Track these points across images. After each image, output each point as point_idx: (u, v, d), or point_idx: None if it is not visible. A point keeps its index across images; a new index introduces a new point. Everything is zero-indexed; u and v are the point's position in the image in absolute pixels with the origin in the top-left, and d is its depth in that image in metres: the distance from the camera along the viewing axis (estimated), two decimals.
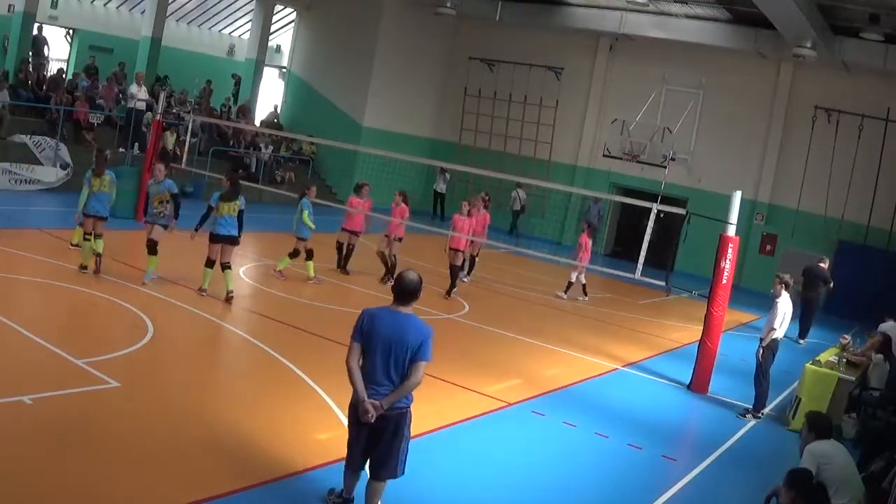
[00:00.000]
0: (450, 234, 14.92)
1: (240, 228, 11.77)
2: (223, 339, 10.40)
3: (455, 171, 23.47)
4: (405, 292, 5.58)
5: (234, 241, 11.71)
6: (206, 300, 11.64)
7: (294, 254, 14.07)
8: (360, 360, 5.59)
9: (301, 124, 26.66)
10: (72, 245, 13.14)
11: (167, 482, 6.14)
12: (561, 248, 23.86)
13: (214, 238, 11.56)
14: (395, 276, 13.84)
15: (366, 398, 5.43)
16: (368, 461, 5.73)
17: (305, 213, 13.97)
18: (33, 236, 13.49)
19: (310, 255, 13.99)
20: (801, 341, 16.31)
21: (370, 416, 5.41)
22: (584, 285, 16.91)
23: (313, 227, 13.99)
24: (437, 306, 14.06)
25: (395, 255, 15.00)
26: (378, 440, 5.57)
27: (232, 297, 11.48)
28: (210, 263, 11.62)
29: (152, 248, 11.71)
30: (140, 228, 13.71)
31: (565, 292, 16.79)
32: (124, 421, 7.07)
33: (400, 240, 15.09)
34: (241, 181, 12.68)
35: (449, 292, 14.76)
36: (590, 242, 16.67)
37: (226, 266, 11.60)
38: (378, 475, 5.70)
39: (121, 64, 23.47)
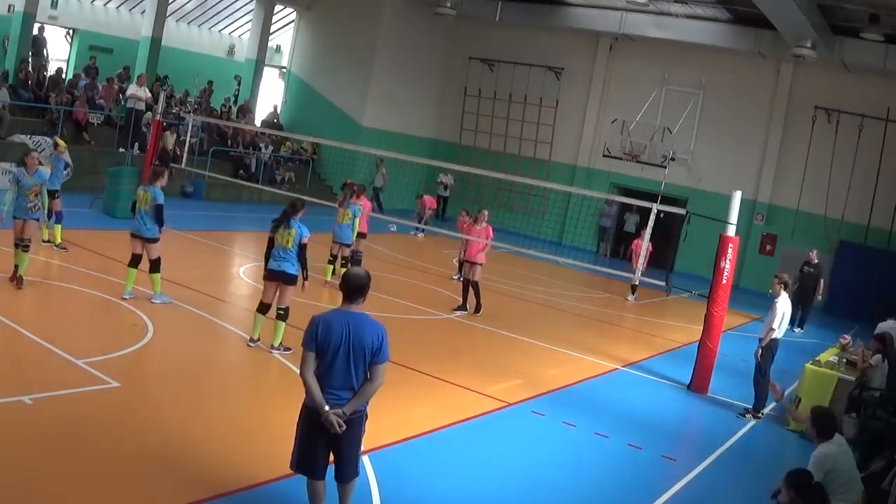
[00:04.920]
0: (464, 237, 14.88)
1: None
2: (223, 339, 10.40)
3: (455, 171, 23.49)
4: (353, 288, 5.45)
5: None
6: (205, 299, 11.66)
7: (347, 261, 13.90)
8: (316, 369, 5.42)
9: (301, 124, 26.66)
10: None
11: (167, 482, 6.14)
12: (561, 249, 23.87)
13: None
14: (478, 306, 13.79)
15: (328, 409, 5.27)
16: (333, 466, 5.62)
17: (357, 219, 13.88)
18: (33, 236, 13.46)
19: (345, 262, 13.94)
20: (798, 330, 17.24)
21: (338, 427, 5.28)
22: (633, 286, 17.82)
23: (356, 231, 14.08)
24: (437, 306, 14.07)
25: (476, 282, 13.82)
26: (339, 444, 5.46)
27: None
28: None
29: (136, 262, 10.93)
30: None
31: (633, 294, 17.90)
32: (124, 421, 7.07)
33: (480, 265, 13.94)
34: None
35: (477, 308, 13.82)
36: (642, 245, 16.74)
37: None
38: (345, 478, 5.62)
39: (125, 68, 23.47)
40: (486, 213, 14.33)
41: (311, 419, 5.45)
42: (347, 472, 5.59)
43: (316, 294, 13.17)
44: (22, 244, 10.57)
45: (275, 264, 9.61)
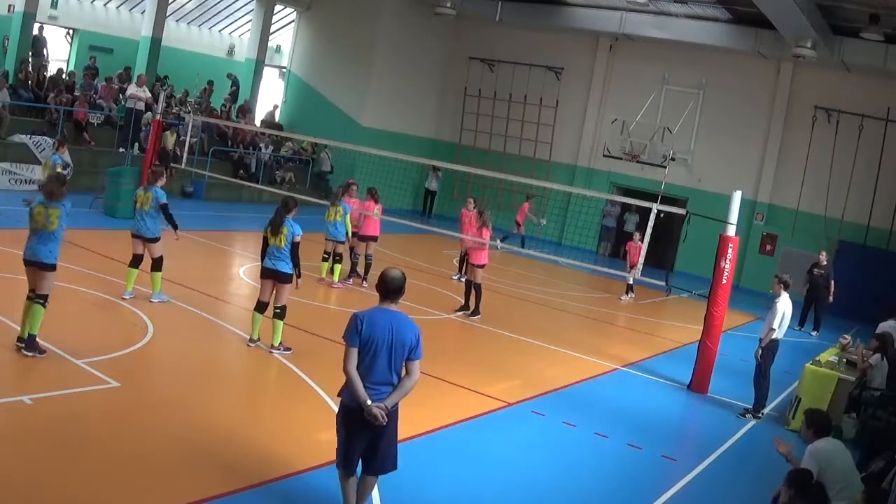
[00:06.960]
0: (460, 236, 14.79)
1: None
2: (223, 339, 10.40)
3: (455, 171, 23.48)
4: (391, 289, 5.65)
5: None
6: (205, 299, 11.65)
7: (341, 259, 14.07)
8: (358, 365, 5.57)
9: (301, 124, 26.67)
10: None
11: (166, 482, 6.14)
12: (561, 249, 23.87)
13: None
14: (476, 310, 13.56)
15: (371, 402, 5.44)
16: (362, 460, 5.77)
17: (348, 216, 13.96)
18: None
19: (339, 259, 14.05)
20: (814, 333, 17.43)
21: (381, 420, 5.45)
22: (629, 285, 17.98)
23: (350, 230, 14.12)
24: (438, 306, 14.05)
25: (479, 285, 13.49)
26: (378, 439, 5.62)
27: None
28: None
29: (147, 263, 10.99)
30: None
31: (627, 293, 17.99)
32: (124, 421, 7.08)
33: (480, 267, 13.60)
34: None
35: (475, 311, 13.51)
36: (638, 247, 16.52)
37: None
38: (378, 470, 5.78)
39: (126, 68, 23.46)
40: (480, 210, 14.28)
41: (350, 417, 5.59)
42: (385, 465, 5.75)
43: (311, 292, 13.19)
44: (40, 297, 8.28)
45: (269, 262, 9.72)
